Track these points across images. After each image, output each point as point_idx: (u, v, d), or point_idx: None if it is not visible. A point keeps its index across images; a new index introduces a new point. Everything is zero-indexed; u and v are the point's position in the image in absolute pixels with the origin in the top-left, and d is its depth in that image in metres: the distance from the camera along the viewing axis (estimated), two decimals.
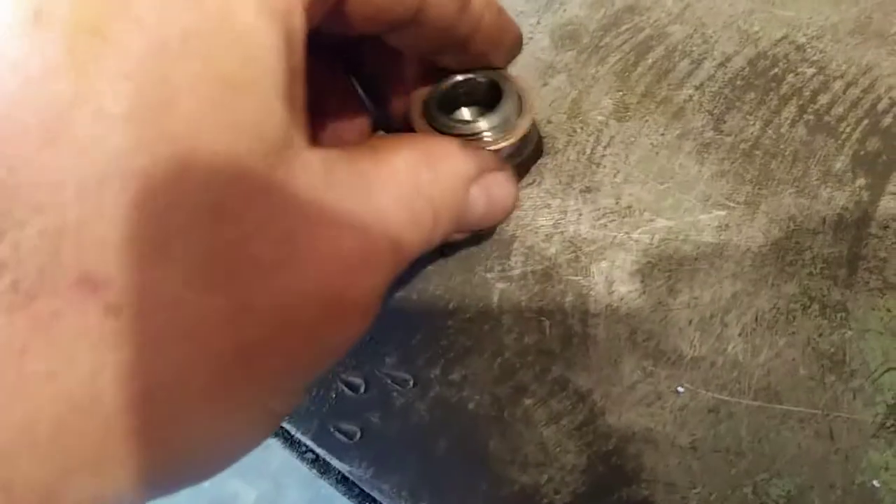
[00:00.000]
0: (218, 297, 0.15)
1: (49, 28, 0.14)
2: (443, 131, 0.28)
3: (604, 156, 0.35)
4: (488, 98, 0.30)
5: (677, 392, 0.31)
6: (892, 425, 0.30)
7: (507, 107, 0.28)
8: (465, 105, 0.31)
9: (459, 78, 0.29)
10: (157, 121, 0.14)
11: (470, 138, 0.28)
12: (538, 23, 0.38)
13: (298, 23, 0.18)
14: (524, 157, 0.32)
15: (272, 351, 0.17)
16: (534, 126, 0.31)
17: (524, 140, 0.30)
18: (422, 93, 0.29)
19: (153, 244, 0.15)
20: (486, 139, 0.28)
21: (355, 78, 0.30)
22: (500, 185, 0.27)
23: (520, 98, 0.29)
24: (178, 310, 0.15)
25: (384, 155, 0.22)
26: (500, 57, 0.28)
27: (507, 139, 0.28)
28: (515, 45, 0.29)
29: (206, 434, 0.17)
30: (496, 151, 0.28)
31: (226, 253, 0.16)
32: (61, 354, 0.14)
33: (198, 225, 0.15)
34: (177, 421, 0.16)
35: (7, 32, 0.14)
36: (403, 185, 0.21)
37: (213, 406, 0.16)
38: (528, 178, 0.35)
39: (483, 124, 0.28)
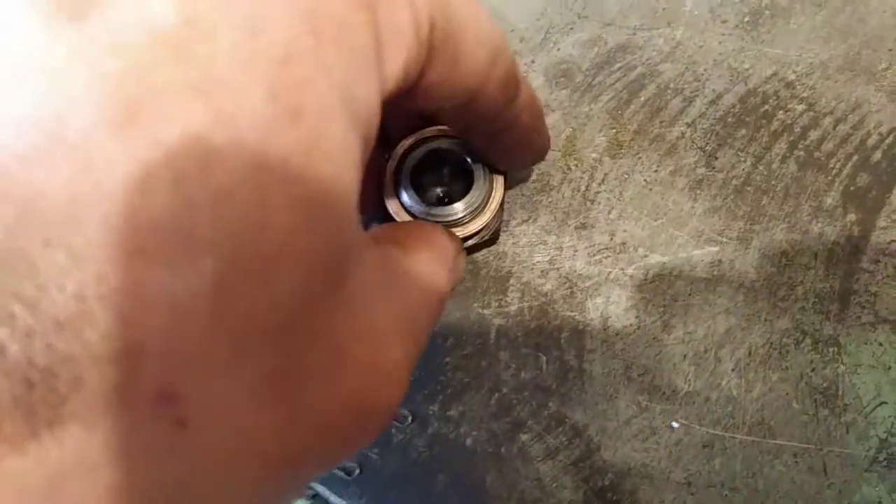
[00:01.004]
0: (273, 410, 0.16)
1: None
2: (417, 216, 0.30)
3: (598, 192, 0.35)
4: (454, 164, 0.31)
5: (672, 427, 0.31)
6: (885, 459, 0.30)
7: (478, 192, 0.30)
8: (435, 167, 0.32)
9: (431, 146, 0.31)
10: (249, 243, 0.14)
11: (446, 224, 0.30)
12: (532, 62, 0.39)
13: (374, 126, 0.18)
14: (481, 241, 0.33)
15: (313, 456, 0.17)
16: (500, 213, 0.33)
17: (489, 227, 0.32)
18: (392, 164, 0.30)
19: (228, 360, 0.15)
20: (459, 223, 0.30)
21: None
22: (460, 265, 0.28)
23: (491, 179, 0.30)
24: (237, 422, 0.15)
25: (414, 256, 0.23)
26: (524, 155, 0.30)
27: (476, 224, 0.30)
28: (541, 150, 0.30)
29: None
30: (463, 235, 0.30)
31: (286, 367, 0.16)
32: (130, 468, 0.14)
33: (269, 342, 0.15)
34: None
35: None
36: (426, 289, 0.23)
37: (267, 491, 0.17)
38: (523, 215, 0.35)
39: (458, 209, 0.30)
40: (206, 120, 0.14)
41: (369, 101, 0.17)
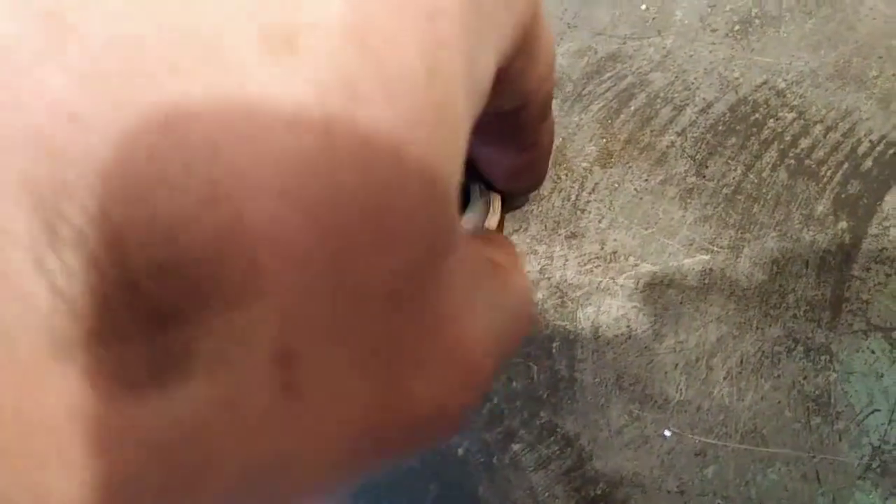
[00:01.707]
0: (368, 385, 0.15)
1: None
2: None
3: (588, 202, 0.36)
4: None
5: (664, 436, 0.31)
6: (878, 467, 0.30)
7: (475, 214, 0.30)
8: None
9: None
10: (385, 203, 0.13)
11: None
12: None
13: (483, 103, 0.17)
14: None
15: (384, 445, 0.16)
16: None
17: None
18: None
19: (344, 324, 0.14)
20: None
21: None
22: None
23: (489, 201, 0.30)
24: (336, 390, 0.14)
25: (511, 263, 0.22)
26: (526, 181, 0.30)
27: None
28: (542, 177, 0.30)
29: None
30: None
31: (386, 341, 0.15)
32: (241, 432, 0.13)
33: (382, 311, 0.14)
34: (300, 488, 0.15)
35: None
36: (523, 301, 0.21)
37: (332, 480, 0.16)
38: (513, 225, 0.35)
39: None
40: (358, 64, 0.13)
41: (486, 75, 0.16)
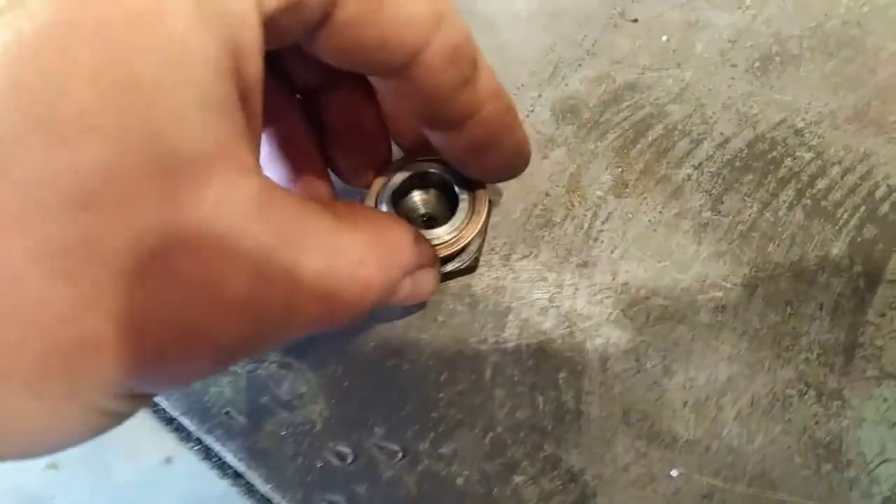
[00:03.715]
0: (66, 287, 0.15)
1: None
2: None
3: (601, 231, 0.35)
4: (440, 185, 0.31)
5: (671, 476, 0.30)
6: None
7: (461, 217, 0.29)
8: (419, 189, 0.32)
9: (417, 168, 0.30)
10: (42, 92, 0.14)
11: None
12: (539, 96, 0.39)
13: (250, 37, 0.17)
14: (462, 268, 0.32)
15: (108, 352, 0.16)
16: (481, 242, 0.32)
17: (468, 253, 0.31)
18: (378, 182, 0.30)
19: (12, 218, 0.14)
20: (436, 244, 0.29)
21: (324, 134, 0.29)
22: (427, 280, 0.27)
23: (472, 204, 0.29)
24: (20, 288, 0.14)
25: (343, 228, 0.21)
26: (495, 161, 0.27)
27: (456, 248, 0.29)
28: (516, 155, 0.28)
29: (21, 421, 0.16)
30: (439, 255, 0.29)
31: (84, 244, 0.15)
32: None
33: (62, 208, 0.14)
34: (7, 396, 0.15)
35: None
36: (331, 270, 0.20)
37: (38, 393, 0.15)
38: (524, 250, 0.35)
39: (440, 233, 0.29)
40: None
41: (240, 9, 0.17)
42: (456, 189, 0.30)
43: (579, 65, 0.39)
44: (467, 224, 0.29)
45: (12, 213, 0.14)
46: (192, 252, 0.16)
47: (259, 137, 0.19)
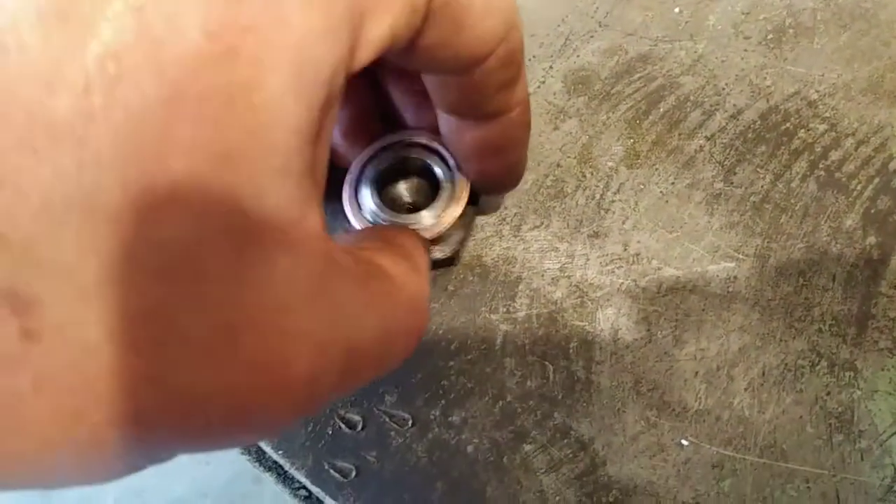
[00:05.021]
0: (136, 360, 0.14)
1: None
2: (375, 221, 0.28)
3: (613, 202, 0.35)
4: (421, 172, 0.30)
5: (681, 445, 0.30)
6: None
7: (441, 204, 0.28)
8: (402, 177, 0.31)
9: (400, 153, 0.29)
10: (143, 172, 0.13)
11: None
12: (551, 67, 0.38)
13: (335, 96, 0.17)
14: (442, 258, 0.32)
15: (162, 426, 0.15)
16: (463, 235, 0.32)
17: (448, 244, 0.31)
18: (356, 168, 0.29)
19: (91, 285, 0.14)
20: (419, 230, 0.28)
21: None
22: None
23: (452, 190, 0.29)
24: (94, 357, 0.14)
25: (395, 260, 0.22)
26: (497, 164, 0.28)
27: (433, 232, 0.28)
28: (515, 171, 0.28)
29: (68, 472, 0.15)
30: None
31: (157, 318, 0.14)
32: None
33: (138, 279, 0.14)
34: (52, 457, 0.15)
35: None
36: (396, 309, 0.21)
37: (91, 454, 0.15)
38: (535, 220, 0.34)
39: (424, 218, 0.28)
40: (130, 38, 0.13)
41: (330, 66, 0.16)
42: (437, 173, 0.29)
43: (591, 36, 0.39)
44: (446, 208, 0.28)
45: (91, 280, 0.14)
46: (258, 330, 0.16)
47: (324, 181, 0.18)
